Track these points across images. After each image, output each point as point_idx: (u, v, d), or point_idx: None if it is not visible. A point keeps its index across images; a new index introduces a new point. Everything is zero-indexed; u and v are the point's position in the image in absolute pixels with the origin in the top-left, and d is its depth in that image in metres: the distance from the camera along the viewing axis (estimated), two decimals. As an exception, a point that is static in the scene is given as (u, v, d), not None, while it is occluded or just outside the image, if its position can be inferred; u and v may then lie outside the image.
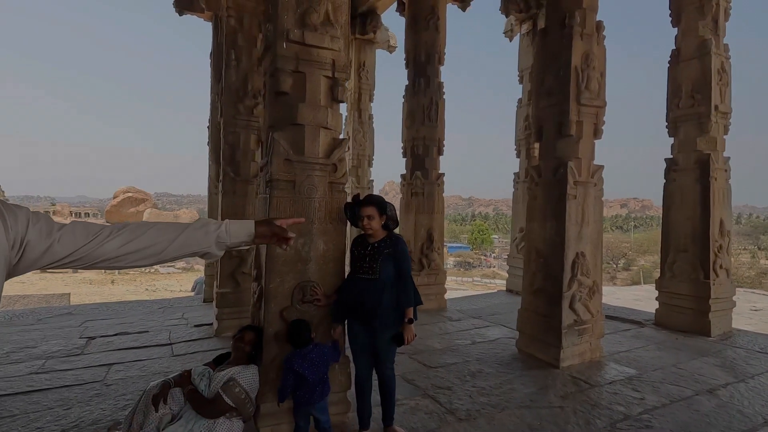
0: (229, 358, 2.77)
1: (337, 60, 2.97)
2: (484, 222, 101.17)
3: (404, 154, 6.98)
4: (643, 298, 16.83)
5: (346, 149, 3.02)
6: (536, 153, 5.77)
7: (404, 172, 6.97)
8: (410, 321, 2.80)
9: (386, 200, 2.78)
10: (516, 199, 8.30)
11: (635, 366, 4.18)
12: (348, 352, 2.96)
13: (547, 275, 4.25)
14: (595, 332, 4.29)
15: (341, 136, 3.09)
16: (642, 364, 4.22)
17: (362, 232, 2.82)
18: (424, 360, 4.31)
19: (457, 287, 25.39)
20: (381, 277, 2.73)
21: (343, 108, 9.91)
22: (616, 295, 15.63)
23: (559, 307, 4.10)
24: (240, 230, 1.35)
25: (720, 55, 5.40)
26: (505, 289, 8.54)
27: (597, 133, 4.29)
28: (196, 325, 5.77)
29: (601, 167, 4.31)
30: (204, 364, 2.77)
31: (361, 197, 2.78)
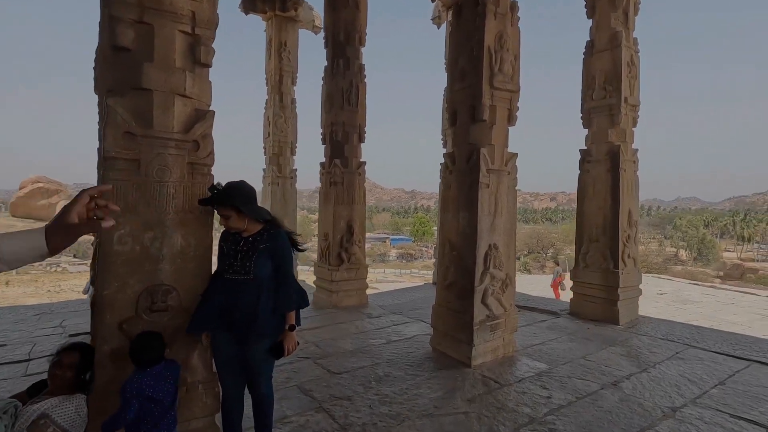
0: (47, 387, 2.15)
1: (198, 13, 2.41)
2: (426, 214, 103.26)
3: (323, 141, 6.49)
4: (566, 286, 17.74)
5: (211, 123, 2.48)
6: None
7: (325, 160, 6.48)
8: (292, 328, 2.36)
9: (246, 188, 2.29)
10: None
11: (546, 360, 4.07)
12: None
13: (460, 269, 4.01)
14: (508, 327, 4.13)
15: (209, 108, 2.54)
16: (553, 358, 4.13)
17: None
18: (330, 365, 3.90)
19: (394, 279, 25.43)
20: (256, 277, 2.26)
21: (263, 91, 9.20)
22: (543, 284, 16.34)
23: (471, 301, 3.87)
24: (22, 248, 0.99)
25: (630, 47, 5.48)
26: (432, 281, 8.38)
27: (511, 119, 4.09)
28: (71, 335, 4.92)
29: (514, 155, 4.13)
30: (11, 396, 2.13)
31: (217, 186, 2.26)
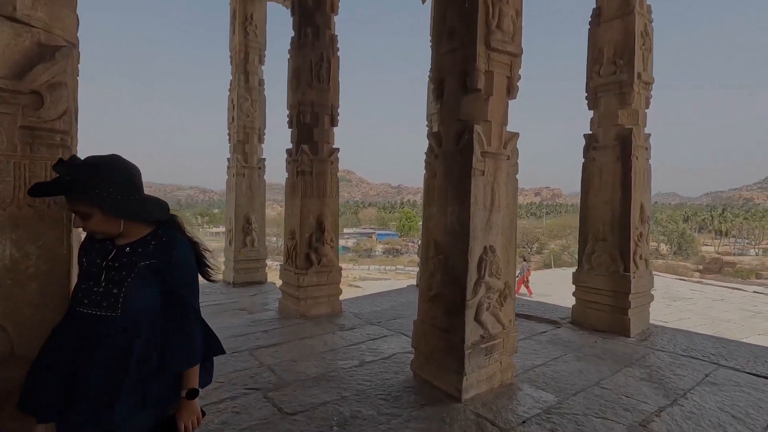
0: None
1: None
2: (412, 209, 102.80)
3: (289, 124, 5.60)
4: (555, 281, 17.22)
5: (67, 65, 1.60)
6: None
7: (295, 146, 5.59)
8: (192, 394, 1.52)
9: (116, 168, 1.43)
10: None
11: (554, 388, 3.30)
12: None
13: (447, 277, 3.20)
14: (506, 348, 3.34)
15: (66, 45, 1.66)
16: (561, 385, 3.36)
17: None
18: (284, 400, 3.06)
19: (379, 276, 24.65)
20: (127, 312, 1.41)
21: (227, 70, 8.24)
22: (532, 282, 15.76)
23: (462, 319, 3.07)
24: None
25: (643, 15, 4.72)
26: (415, 283, 7.59)
27: (511, 90, 3.28)
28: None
29: (515, 135, 3.32)
30: None
31: (70, 163, 1.39)
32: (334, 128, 5.60)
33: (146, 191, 1.52)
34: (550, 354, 4.07)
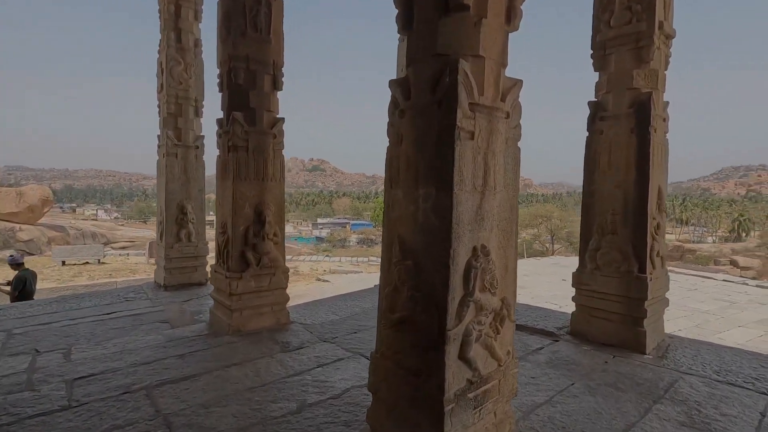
0: None
1: None
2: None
3: (220, 86, 4.37)
4: (530, 272, 16.57)
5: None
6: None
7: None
8: None
9: None
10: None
11: (568, 447, 2.32)
12: None
13: (419, 293, 2.13)
14: (504, 391, 2.32)
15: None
16: (578, 441, 2.38)
17: None
18: (164, 490, 1.93)
19: (350, 269, 23.59)
20: None
21: (154, 29, 6.85)
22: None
23: (440, 357, 2.02)
24: None
25: (667, -52, 3.74)
26: (384, 283, 6.53)
27: (512, 13, 2.21)
28: None
29: (518, 83, 2.26)
30: None
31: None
32: (278, 93, 4.42)
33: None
34: (553, 384, 3.10)
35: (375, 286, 6.60)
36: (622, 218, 3.83)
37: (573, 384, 3.11)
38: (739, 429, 2.52)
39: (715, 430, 2.52)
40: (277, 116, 4.38)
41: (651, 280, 3.68)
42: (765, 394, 2.97)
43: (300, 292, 13.96)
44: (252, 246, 4.25)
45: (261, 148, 4.23)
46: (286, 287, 4.52)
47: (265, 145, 4.26)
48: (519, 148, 2.35)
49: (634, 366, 3.43)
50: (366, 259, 29.66)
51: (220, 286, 4.33)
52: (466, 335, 2.09)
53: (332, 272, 21.15)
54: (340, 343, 4.00)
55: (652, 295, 3.72)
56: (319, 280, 17.70)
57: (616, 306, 3.82)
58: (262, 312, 4.31)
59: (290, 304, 4.78)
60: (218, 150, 4.40)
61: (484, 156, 2.12)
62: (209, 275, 6.15)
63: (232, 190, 4.13)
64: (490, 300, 2.17)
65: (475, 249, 2.10)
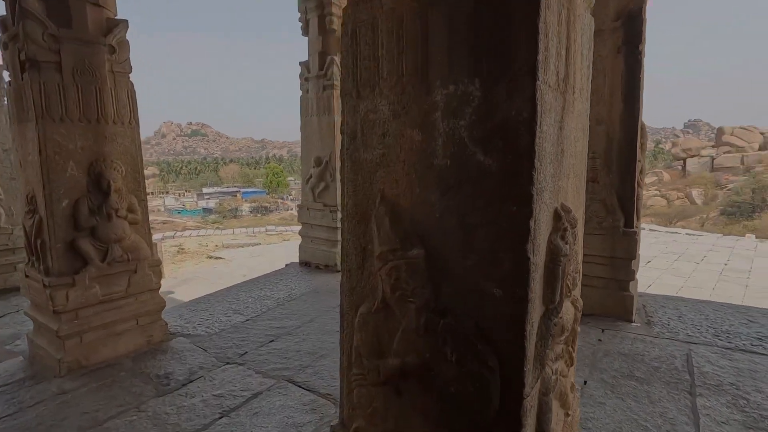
0: None
1: None
2: (279, 164, 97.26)
3: (-6, -43, 2.48)
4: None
5: None
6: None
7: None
8: None
9: None
10: (306, 108, 4.84)
11: None
12: None
13: (448, 318, 0.99)
14: (565, 452, 1.35)
15: None
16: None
17: None
18: None
19: (248, 241, 21.37)
20: None
21: None
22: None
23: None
24: None
25: None
26: (297, 260, 5.25)
27: None
28: None
29: None
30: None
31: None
32: (113, -22, 2.69)
33: None
34: (564, 388, 2.29)
35: (287, 265, 5.29)
36: (604, 163, 3.12)
37: (586, 383, 2.33)
38: (807, 421, 1.97)
39: (780, 427, 1.94)
40: (115, 17, 2.68)
41: (638, 236, 3.08)
42: (785, 359, 2.54)
43: (187, 275, 11.81)
44: (90, 230, 2.62)
45: (88, 68, 2.53)
46: (159, 287, 3.01)
47: (96, 63, 2.57)
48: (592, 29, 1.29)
49: (633, 341, 2.82)
50: (263, 229, 27.34)
51: (37, 300, 2.65)
52: (544, 394, 1.03)
53: (226, 247, 18.80)
54: (252, 363, 2.72)
55: (637, 252, 3.14)
56: (210, 257, 15.43)
57: (599, 269, 3.17)
58: (119, 331, 2.77)
59: (174, 297, 3.32)
60: (7, 71, 2.58)
61: (567, 19, 0.99)
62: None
63: (38, 138, 2.41)
64: (569, 311, 1.13)
65: (557, 215, 1.01)
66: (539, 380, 0.99)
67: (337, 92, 4.52)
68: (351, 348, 1.20)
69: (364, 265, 1.16)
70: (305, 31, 4.75)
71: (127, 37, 2.76)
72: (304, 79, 4.81)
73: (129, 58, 2.76)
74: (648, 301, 3.54)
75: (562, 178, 1.04)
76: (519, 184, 0.87)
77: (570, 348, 1.21)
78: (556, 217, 1.00)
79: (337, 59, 4.51)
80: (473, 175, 0.93)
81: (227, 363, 2.73)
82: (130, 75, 2.80)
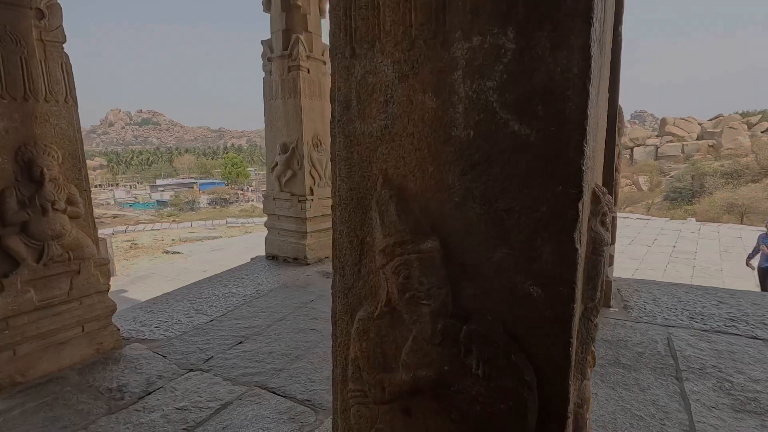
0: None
1: None
2: (238, 155, 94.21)
3: None
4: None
5: None
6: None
7: None
8: None
9: None
10: (270, 91, 4.51)
11: None
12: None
13: (475, 323, 0.82)
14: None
15: None
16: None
17: None
18: None
19: (207, 235, 20.50)
20: None
21: None
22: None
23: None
24: None
25: None
26: (264, 254, 4.96)
27: None
28: None
29: None
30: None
31: None
32: (39, -70, 2.28)
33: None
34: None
35: (252, 259, 4.98)
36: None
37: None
38: (791, 400, 1.99)
39: (765, 405, 1.94)
40: (44, -25, 2.29)
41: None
42: (757, 338, 2.59)
43: (142, 272, 11.11)
44: (21, 226, 2.26)
45: (10, 35, 2.15)
46: (108, 288, 2.67)
47: (20, 29, 2.18)
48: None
49: (614, 327, 2.80)
50: (223, 222, 26.38)
51: (-43, 310, 2.26)
52: (579, 406, 0.89)
53: (184, 241, 17.91)
54: (219, 368, 2.47)
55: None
56: (167, 252, 14.63)
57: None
58: (61, 340, 2.43)
59: (128, 296, 3.01)
60: None
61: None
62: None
63: (-52, 118, 2.01)
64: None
65: (595, 197, 0.86)
66: (577, 392, 0.84)
67: (303, 73, 4.23)
68: (347, 360, 1.01)
69: (361, 261, 0.96)
70: (267, 6, 4.40)
71: (59, 3, 2.37)
72: (267, 59, 4.48)
73: (62, 25, 2.38)
74: (622, 285, 3.57)
75: (596, 153, 0.89)
76: (566, 159, 0.71)
77: (593, 347, 1.08)
78: (595, 199, 0.85)
79: (303, 38, 4.21)
80: (505, 148, 0.76)
81: (190, 370, 2.46)
82: (65, 46, 2.41)
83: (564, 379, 0.75)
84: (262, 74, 4.56)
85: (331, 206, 1.02)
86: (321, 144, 4.53)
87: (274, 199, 4.67)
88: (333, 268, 1.04)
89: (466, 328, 0.82)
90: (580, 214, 0.72)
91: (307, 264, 4.49)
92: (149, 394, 2.23)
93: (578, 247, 0.72)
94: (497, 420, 0.80)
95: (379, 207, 0.89)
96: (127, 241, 17.53)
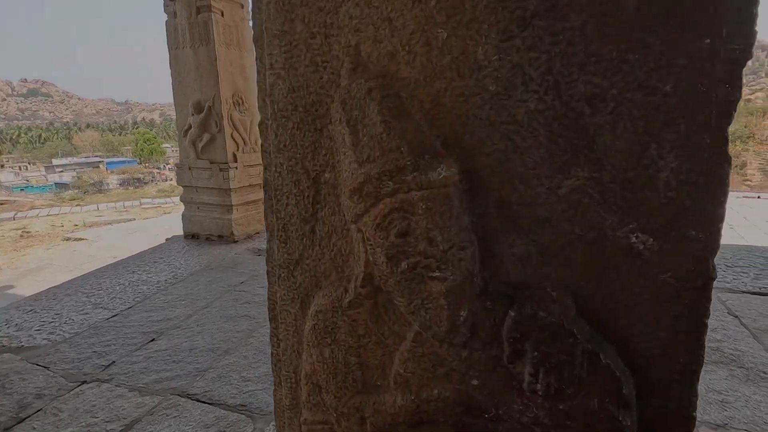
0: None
1: None
2: (150, 130, 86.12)
3: None
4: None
5: None
6: None
7: None
8: None
9: None
10: (176, 38, 3.75)
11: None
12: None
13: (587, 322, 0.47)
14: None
15: None
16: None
17: None
18: None
19: (117, 218, 18.38)
20: None
21: None
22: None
23: None
24: None
25: None
26: (182, 233, 4.29)
27: None
28: None
29: None
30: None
31: None
32: None
33: None
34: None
35: (168, 240, 4.29)
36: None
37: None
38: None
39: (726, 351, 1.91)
40: None
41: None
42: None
43: (35, 264, 9.56)
44: None
45: None
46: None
47: None
48: None
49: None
50: (137, 203, 23.95)
51: None
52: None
53: (89, 225, 15.85)
54: (123, 376, 1.94)
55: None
56: (68, 239, 12.81)
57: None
58: None
59: (16, 293, 2.53)
60: None
61: None
62: None
63: None
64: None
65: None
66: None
67: (216, 16, 3.55)
68: (297, 375, 0.63)
69: (316, 214, 0.57)
70: (165, -69, 3.59)
71: None
72: (170, -2, 3.70)
73: None
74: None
75: None
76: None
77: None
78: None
79: (214, -28, 3.51)
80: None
81: (83, 382, 1.91)
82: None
83: (689, 386, 0.44)
84: (165, 17, 3.78)
85: (258, 124, 0.61)
86: (243, 103, 3.91)
87: (190, 169, 3.99)
88: (268, 230, 0.64)
89: (515, 313, 0.47)
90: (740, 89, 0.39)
91: (235, 242, 3.94)
92: (21, 422, 1.67)
93: (729, 154, 0.40)
94: (568, 462, 0.48)
95: (349, 112, 0.50)
96: (16, 229, 15.14)
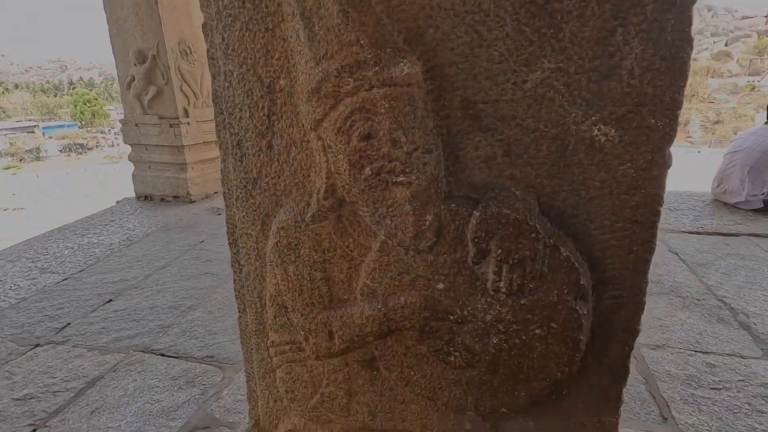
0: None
1: None
2: (90, 90, 79.28)
3: None
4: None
5: None
6: None
7: None
8: None
9: None
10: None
11: None
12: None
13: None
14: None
15: None
16: None
17: None
18: None
19: (60, 187, 17.11)
20: None
21: None
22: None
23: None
24: None
25: None
26: (135, 193, 4.06)
27: None
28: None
29: None
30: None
31: None
32: None
33: None
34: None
35: (118, 202, 4.06)
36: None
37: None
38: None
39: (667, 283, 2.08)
40: None
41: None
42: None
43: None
44: None
45: None
46: None
47: None
48: None
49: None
50: (82, 170, 22.35)
51: None
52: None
53: (27, 196, 14.71)
54: (80, 337, 1.87)
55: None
56: (5, 210, 11.86)
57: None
58: None
59: None
60: None
61: None
62: None
63: None
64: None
65: None
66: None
67: (154, -49, 3.21)
68: (262, 299, 0.61)
69: (272, 126, 0.54)
70: None
71: None
72: (98, -70, 3.29)
73: None
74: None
75: None
76: None
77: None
78: None
79: None
80: None
81: (36, 345, 1.83)
82: None
83: (642, 273, 0.46)
84: (94, -48, 3.37)
85: (202, 25, 0.55)
86: (192, 53, 3.63)
87: (137, 125, 3.72)
88: (221, 148, 0.59)
89: (479, 213, 0.47)
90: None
91: (192, 202, 3.78)
92: (-31, 388, 1.58)
93: (691, 37, 0.40)
94: (528, 354, 0.50)
95: (303, 3, 0.46)
96: (-56, 200, 13.80)
